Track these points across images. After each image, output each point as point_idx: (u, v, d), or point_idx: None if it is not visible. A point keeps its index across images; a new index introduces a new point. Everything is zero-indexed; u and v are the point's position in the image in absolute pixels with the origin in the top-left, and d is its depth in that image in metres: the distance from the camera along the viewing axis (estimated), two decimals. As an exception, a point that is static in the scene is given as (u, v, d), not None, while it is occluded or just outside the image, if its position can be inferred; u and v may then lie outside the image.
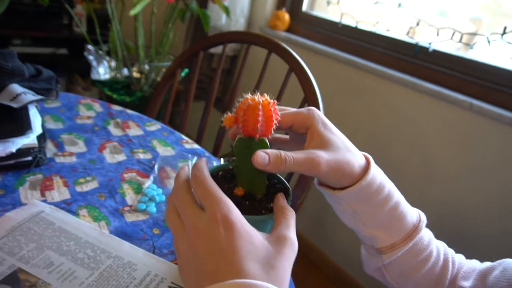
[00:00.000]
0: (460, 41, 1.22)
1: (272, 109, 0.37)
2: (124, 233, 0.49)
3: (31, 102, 0.59)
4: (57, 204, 0.52)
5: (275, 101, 0.37)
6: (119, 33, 1.22)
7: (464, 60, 1.20)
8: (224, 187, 0.41)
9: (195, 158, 0.70)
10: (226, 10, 1.40)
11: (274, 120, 0.37)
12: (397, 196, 0.41)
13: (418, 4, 1.36)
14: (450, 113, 1.18)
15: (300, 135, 0.40)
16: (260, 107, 0.36)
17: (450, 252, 0.45)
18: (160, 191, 0.58)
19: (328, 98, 1.55)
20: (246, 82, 1.87)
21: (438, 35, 1.26)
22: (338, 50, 1.51)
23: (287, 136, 0.45)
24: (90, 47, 1.30)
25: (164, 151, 0.71)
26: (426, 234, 0.42)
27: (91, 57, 1.32)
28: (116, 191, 0.57)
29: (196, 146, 0.76)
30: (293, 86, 0.81)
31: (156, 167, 0.64)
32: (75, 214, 0.51)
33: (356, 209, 0.39)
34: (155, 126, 0.81)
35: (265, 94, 0.37)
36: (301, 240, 1.49)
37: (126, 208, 0.54)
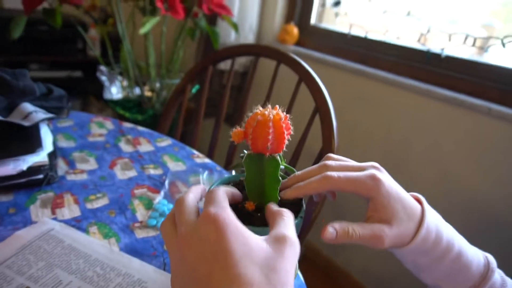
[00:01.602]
0: (473, 45, 1.19)
1: (284, 124, 0.35)
2: (134, 250, 0.48)
3: (42, 120, 0.59)
4: (67, 222, 0.51)
5: (287, 115, 0.35)
6: (130, 53, 1.24)
7: (479, 64, 1.17)
8: (234, 199, 0.40)
9: (206, 172, 0.69)
10: (235, 26, 1.42)
11: (286, 136, 0.35)
12: (458, 244, 0.38)
13: (427, 12, 1.34)
14: (468, 119, 1.15)
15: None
16: (271, 123, 0.34)
17: None
18: (171, 206, 0.57)
19: (339, 109, 1.53)
20: (256, 96, 1.87)
21: (450, 40, 1.24)
22: (348, 60, 1.50)
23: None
24: (102, 67, 1.33)
25: (175, 166, 0.71)
26: (497, 279, 0.38)
27: (103, 78, 1.35)
28: (127, 207, 0.56)
29: (207, 160, 0.75)
30: (304, 96, 0.80)
31: (166, 182, 0.64)
32: (85, 231, 0.50)
33: (415, 261, 0.38)
34: (166, 141, 0.80)
35: (277, 107, 0.36)
36: (318, 254, 1.45)
37: (136, 224, 0.53)
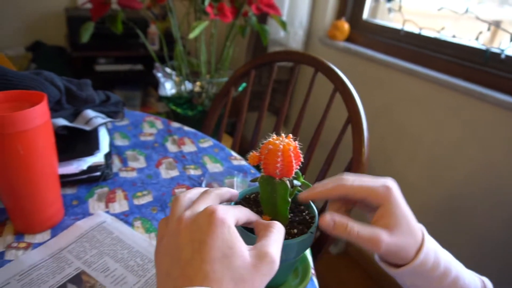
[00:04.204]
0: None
1: (292, 154, 0.38)
2: (169, 245, 0.55)
3: (101, 125, 0.69)
4: (117, 215, 0.60)
5: (297, 144, 0.38)
6: (181, 52, 1.33)
7: (543, 67, 1.08)
8: (254, 209, 0.44)
9: (241, 175, 0.74)
10: (283, 25, 1.44)
11: (294, 165, 0.38)
12: (456, 269, 0.39)
13: (488, 10, 1.25)
14: (526, 127, 1.07)
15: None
16: (279, 153, 0.37)
17: None
18: (205, 206, 0.64)
19: (389, 109, 1.50)
20: (299, 97, 1.88)
21: (511, 40, 1.15)
22: (400, 59, 1.45)
23: None
24: (157, 64, 1.44)
25: (213, 167, 0.77)
26: None
27: (159, 74, 1.46)
28: (167, 205, 0.64)
29: (243, 162, 0.80)
30: (340, 105, 0.81)
31: (204, 183, 0.70)
32: (131, 225, 0.58)
33: (414, 283, 0.40)
34: (208, 142, 0.87)
35: (290, 136, 0.39)
36: (360, 252, 1.45)
37: (173, 222, 0.60)
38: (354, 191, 0.38)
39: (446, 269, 0.39)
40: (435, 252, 0.39)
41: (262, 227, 0.34)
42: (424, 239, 0.39)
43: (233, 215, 0.33)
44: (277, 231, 0.33)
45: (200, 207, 0.34)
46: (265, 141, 0.39)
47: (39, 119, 0.47)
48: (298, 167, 0.39)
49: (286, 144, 0.38)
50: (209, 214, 0.31)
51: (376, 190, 0.38)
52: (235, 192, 0.40)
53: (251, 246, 0.31)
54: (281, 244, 0.33)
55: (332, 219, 0.37)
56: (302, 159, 0.39)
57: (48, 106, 0.49)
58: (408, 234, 0.38)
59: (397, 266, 0.39)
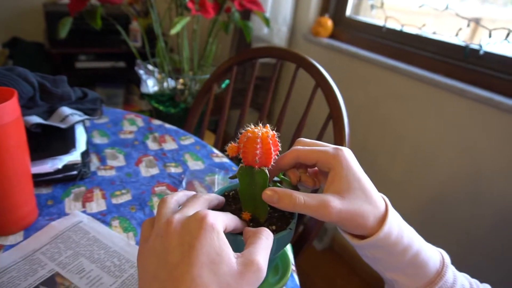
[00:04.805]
0: (515, 42, 1.12)
1: (271, 141, 0.38)
2: (148, 244, 0.54)
3: (78, 122, 0.67)
4: (94, 215, 0.58)
5: (275, 133, 0.39)
6: (163, 49, 1.31)
7: (520, 63, 1.10)
8: (232, 207, 0.44)
9: (222, 172, 0.73)
10: (267, 21, 1.43)
11: (273, 152, 0.38)
12: (418, 243, 0.39)
13: (467, 6, 1.27)
14: (503, 122, 1.10)
15: (326, 172, 0.39)
16: (259, 140, 0.37)
17: (475, 284, 0.43)
18: (185, 204, 0.63)
19: (371, 106, 1.52)
20: (282, 94, 1.88)
21: (490, 36, 1.17)
22: (382, 55, 1.47)
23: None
24: (139, 61, 1.41)
25: (194, 165, 0.76)
26: (450, 276, 0.40)
27: (141, 71, 1.44)
28: (146, 203, 0.63)
29: (225, 160, 0.80)
30: (322, 101, 0.81)
31: (184, 181, 0.69)
32: (109, 224, 0.57)
33: (375, 255, 0.39)
34: (189, 140, 0.86)
35: (268, 126, 0.39)
36: (344, 248, 1.46)
37: (152, 220, 0.59)
38: (305, 154, 0.38)
39: (409, 243, 0.38)
40: (398, 225, 0.38)
41: (251, 233, 0.34)
42: (388, 210, 0.37)
43: (222, 221, 0.32)
44: (266, 238, 0.33)
45: (190, 211, 0.33)
46: (243, 131, 0.39)
47: (8, 116, 0.45)
48: (277, 156, 0.39)
49: (265, 132, 0.38)
50: (199, 219, 0.31)
51: (326, 153, 0.37)
52: (222, 198, 0.40)
53: (239, 254, 0.31)
54: (269, 252, 0.32)
55: (274, 191, 0.36)
56: (280, 148, 0.39)
57: (18, 102, 0.48)
58: (363, 199, 0.36)
59: (360, 237, 0.38)
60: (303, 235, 0.76)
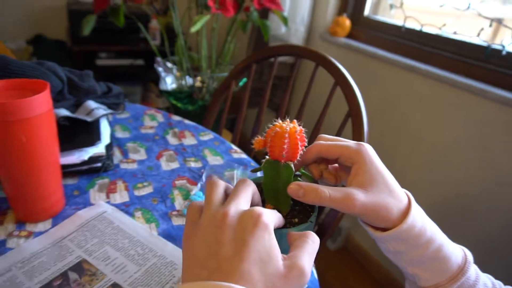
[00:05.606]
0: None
1: (298, 136, 0.38)
2: (169, 235, 0.55)
3: (102, 116, 0.69)
4: (117, 206, 0.60)
5: (302, 129, 0.39)
6: (182, 47, 1.33)
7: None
8: (254, 199, 0.45)
9: (241, 168, 0.74)
10: (285, 20, 1.44)
11: (300, 147, 0.39)
12: (440, 238, 0.39)
13: (489, 6, 1.25)
14: (526, 124, 1.07)
15: (348, 167, 0.40)
16: (287, 135, 0.38)
17: (499, 285, 0.43)
18: (205, 198, 0.64)
19: (389, 105, 1.51)
20: (299, 94, 1.88)
21: (513, 37, 1.15)
22: (401, 55, 1.45)
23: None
24: (159, 59, 1.44)
25: (213, 160, 0.77)
26: (472, 273, 0.40)
27: (160, 69, 1.46)
28: (167, 196, 0.64)
29: (243, 156, 0.81)
30: (341, 99, 0.81)
31: (204, 175, 0.71)
32: (132, 215, 0.59)
33: (397, 249, 0.39)
34: (208, 136, 0.87)
35: (295, 121, 0.40)
36: (357, 248, 1.46)
37: (174, 213, 0.60)
38: (327, 148, 0.39)
39: (432, 236, 0.38)
40: (421, 219, 0.38)
41: (297, 236, 0.34)
42: (411, 203, 0.38)
43: (273, 221, 0.33)
44: (312, 241, 0.33)
45: (242, 202, 0.34)
46: (271, 125, 0.40)
47: (41, 107, 0.47)
48: (302, 152, 0.40)
49: (292, 127, 0.38)
50: (255, 217, 0.31)
51: (348, 148, 0.38)
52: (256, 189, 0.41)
53: (285, 256, 0.31)
54: (314, 256, 0.33)
55: (299, 186, 0.36)
56: (306, 143, 0.39)
57: (50, 95, 0.50)
58: (386, 193, 0.36)
59: (383, 230, 0.38)
60: (317, 234, 0.76)
